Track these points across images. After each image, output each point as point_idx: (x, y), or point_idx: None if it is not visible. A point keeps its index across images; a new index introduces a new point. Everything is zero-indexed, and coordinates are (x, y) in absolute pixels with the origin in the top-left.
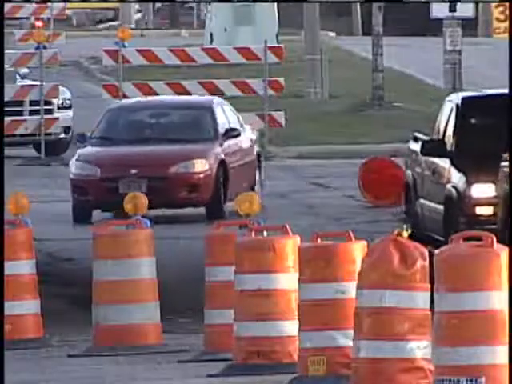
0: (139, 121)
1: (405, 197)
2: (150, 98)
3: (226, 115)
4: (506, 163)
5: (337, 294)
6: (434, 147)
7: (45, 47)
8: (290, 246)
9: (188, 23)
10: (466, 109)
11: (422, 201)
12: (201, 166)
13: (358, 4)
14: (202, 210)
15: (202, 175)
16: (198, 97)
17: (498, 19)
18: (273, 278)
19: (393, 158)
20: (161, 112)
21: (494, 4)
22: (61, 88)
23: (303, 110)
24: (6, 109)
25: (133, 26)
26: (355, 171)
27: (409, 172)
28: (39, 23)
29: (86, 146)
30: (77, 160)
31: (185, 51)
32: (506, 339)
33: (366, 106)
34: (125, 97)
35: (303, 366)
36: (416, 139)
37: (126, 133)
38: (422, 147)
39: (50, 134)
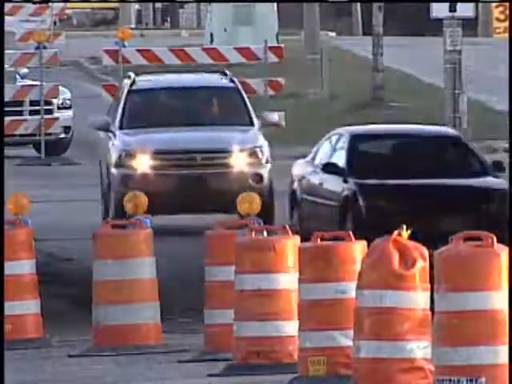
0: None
1: None
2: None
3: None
4: None
5: (337, 293)
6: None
7: (45, 47)
8: (290, 246)
9: (188, 23)
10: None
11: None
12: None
13: (358, 4)
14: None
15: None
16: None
17: (498, 19)
18: (273, 278)
19: None
20: None
21: (494, 4)
22: (61, 88)
23: (303, 110)
24: (6, 109)
25: (133, 25)
26: None
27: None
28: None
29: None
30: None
31: (185, 51)
32: (506, 339)
33: (365, 105)
34: None
35: (303, 365)
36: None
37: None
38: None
39: (50, 134)
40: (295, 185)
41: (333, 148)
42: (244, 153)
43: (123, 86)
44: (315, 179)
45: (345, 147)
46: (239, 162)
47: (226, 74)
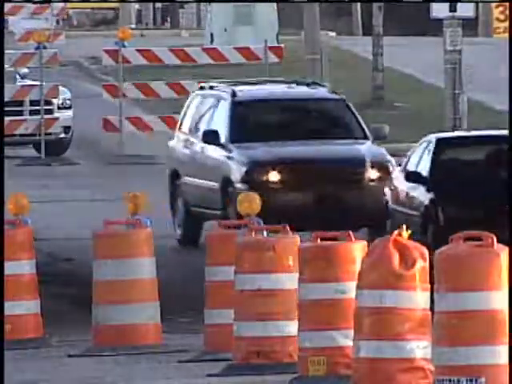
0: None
1: None
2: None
3: None
4: None
5: (337, 293)
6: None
7: (45, 47)
8: (290, 246)
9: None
10: None
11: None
12: None
13: (358, 4)
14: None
15: None
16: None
17: (498, 19)
18: (273, 278)
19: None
20: None
21: (494, 4)
22: (61, 88)
23: None
24: (6, 109)
25: (133, 25)
26: None
27: None
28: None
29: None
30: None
31: (185, 51)
32: (506, 339)
33: (366, 105)
34: (125, 97)
35: (303, 365)
36: None
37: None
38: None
39: (50, 134)
40: (388, 195)
41: (420, 156)
42: (376, 167)
43: (199, 96)
44: (403, 188)
45: (430, 155)
46: (373, 176)
47: (323, 86)
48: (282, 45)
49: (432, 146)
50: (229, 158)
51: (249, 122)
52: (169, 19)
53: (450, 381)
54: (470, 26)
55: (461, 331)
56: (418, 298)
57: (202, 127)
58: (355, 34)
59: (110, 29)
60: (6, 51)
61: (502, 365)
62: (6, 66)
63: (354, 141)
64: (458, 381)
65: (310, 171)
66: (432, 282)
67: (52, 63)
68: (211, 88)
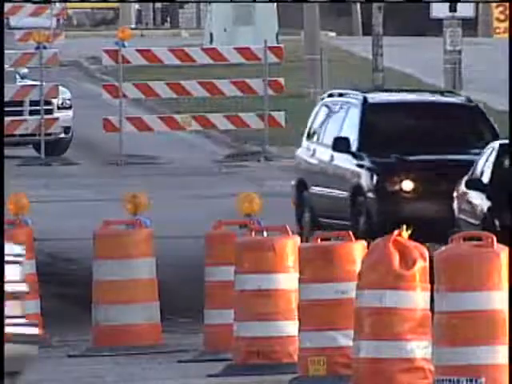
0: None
1: None
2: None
3: None
4: None
5: (337, 293)
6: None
7: (45, 47)
8: (290, 246)
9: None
10: None
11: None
12: None
13: (358, 4)
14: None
15: None
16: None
17: (498, 19)
18: (273, 278)
19: None
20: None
21: (494, 4)
22: (61, 88)
23: (303, 109)
24: (6, 109)
25: (133, 25)
26: None
27: None
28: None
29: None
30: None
31: (185, 51)
32: (506, 339)
33: None
34: (125, 97)
35: (303, 366)
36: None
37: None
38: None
39: (49, 134)
40: (455, 204)
41: (484, 162)
42: None
43: (331, 103)
44: (467, 197)
45: (491, 161)
46: None
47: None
48: (282, 45)
49: (494, 153)
50: (359, 166)
51: (380, 128)
52: (169, 19)
53: (449, 381)
54: (469, 26)
55: (461, 331)
56: (418, 298)
57: (332, 135)
58: (355, 33)
59: (109, 29)
60: (6, 51)
61: (501, 365)
62: (6, 65)
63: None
64: (458, 381)
65: (445, 181)
66: (432, 282)
67: (52, 63)
68: (340, 95)
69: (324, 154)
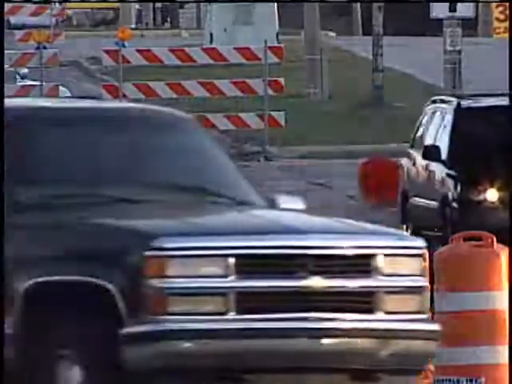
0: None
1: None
2: None
3: None
4: None
5: None
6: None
7: (45, 47)
8: None
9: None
10: None
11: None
12: None
13: (358, 4)
14: None
15: None
16: None
17: (497, 19)
18: None
19: (393, 158)
20: None
21: (494, 4)
22: (61, 88)
23: (303, 109)
24: None
25: (133, 26)
26: (355, 171)
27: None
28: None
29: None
30: None
31: (185, 51)
32: (506, 339)
33: (366, 105)
34: (125, 97)
35: None
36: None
37: None
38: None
39: None
40: None
41: None
42: None
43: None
44: None
45: None
46: None
47: None
48: (282, 45)
49: None
50: (448, 175)
51: (471, 136)
52: (169, 19)
53: (449, 381)
54: (469, 26)
55: (461, 331)
56: None
57: (427, 143)
58: (355, 33)
59: (110, 29)
60: (6, 51)
61: (501, 365)
62: (6, 65)
63: None
64: (458, 381)
65: None
66: (432, 282)
67: (52, 63)
68: (442, 102)
69: (420, 162)
